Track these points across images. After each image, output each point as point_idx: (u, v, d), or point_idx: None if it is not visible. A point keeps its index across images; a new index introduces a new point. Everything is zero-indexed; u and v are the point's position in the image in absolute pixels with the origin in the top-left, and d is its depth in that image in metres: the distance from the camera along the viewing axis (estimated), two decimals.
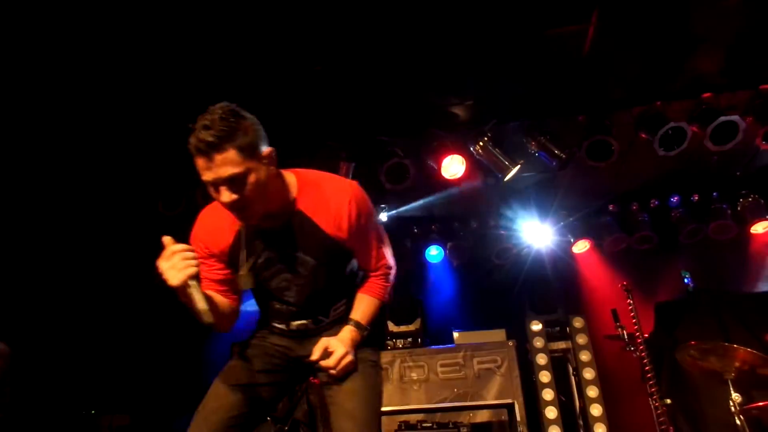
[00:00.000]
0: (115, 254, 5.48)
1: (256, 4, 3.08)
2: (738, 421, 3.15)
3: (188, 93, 3.79)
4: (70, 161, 4.47)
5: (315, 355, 1.88)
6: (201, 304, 1.62)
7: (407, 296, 5.33)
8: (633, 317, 4.18)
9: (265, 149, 1.70)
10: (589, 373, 4.55)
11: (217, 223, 1.89)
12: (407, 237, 6.09)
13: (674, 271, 4.76)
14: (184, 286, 1.59)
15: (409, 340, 5.06)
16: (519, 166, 4.39)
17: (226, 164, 1.58)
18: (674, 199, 5.59)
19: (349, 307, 2.05)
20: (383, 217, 5.86)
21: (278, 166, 1.80)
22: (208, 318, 1.63)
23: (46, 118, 3.96)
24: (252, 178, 1.63)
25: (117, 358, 5.42)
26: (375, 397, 1.97)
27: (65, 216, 5.01)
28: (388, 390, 4.77)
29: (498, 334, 4.91)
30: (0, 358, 2.81)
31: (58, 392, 4.88)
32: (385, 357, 4.90)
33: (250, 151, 1.62)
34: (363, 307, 2.02)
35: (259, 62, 3.57)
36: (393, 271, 2.13)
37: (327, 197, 1.85)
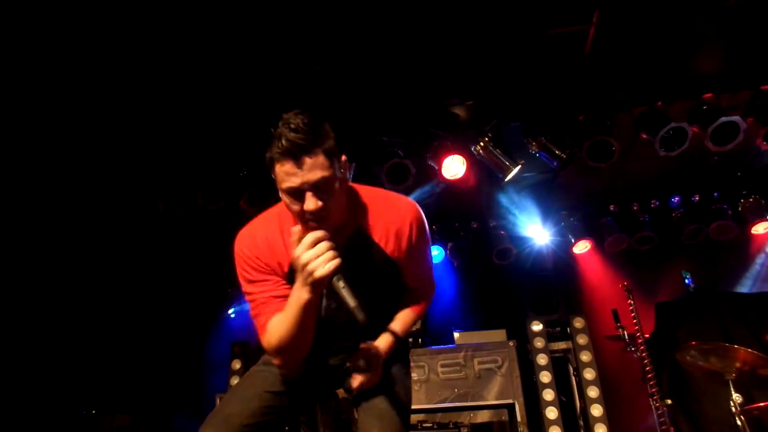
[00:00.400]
0: (115, 254, 5.48)
1: (256, 3, 3.08)
2: (739, 422, 3.15)
3: (188, 93, 3.80)
4: (71, 161, 4.47)
5: (353, 361, 1.83)
6: (352, 300, 1.51)
7: None
8: (633, 317, 4.18)
9: (343, 157, 1.66)
10: (589, 374, 4.54)
11: (273, 239, 1.79)
12: None
13: (675, 271, 4.76)
14: (331, 278, 1.52)
15: (410, 340, 5.06)
16: (520, 167, 4.39)
17: (316, 168, 1.53)
18: (675, 199, 5.60)
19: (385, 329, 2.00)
20: None
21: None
22: (361, 315, 1.50)
23: (46, 118, 3.95)
24: (337, 184, 1.60)
25: (117, 358, 5.42)
26: (406, 403, 1.94)
27: (67, 216, 5.00)
28: None
29: (499, 335, 4.91)
30: None
31: (58, 392, 4.87)
32: None
33: (334, 157, 1.59)
34: (404, 318, 2.00)
35: (259, 62, 3.57)
36: (434, 290, 2.13)
37: (388, 217, 1.81)
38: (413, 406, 4.50)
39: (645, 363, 4.07)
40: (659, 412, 3.93)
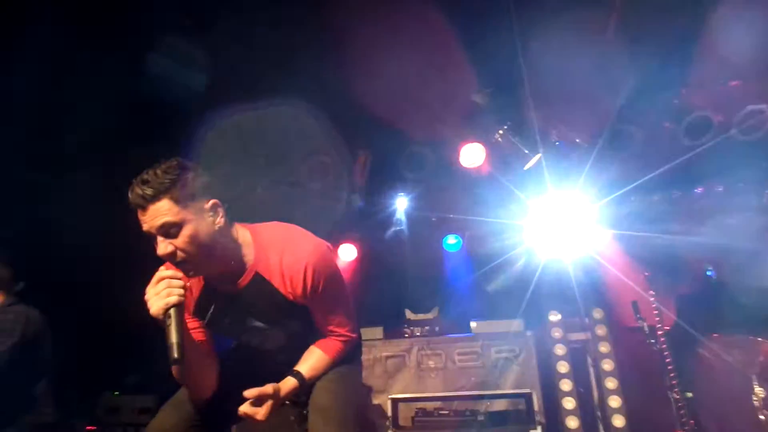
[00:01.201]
0: (136, 240, 5.55)
1: None
2: (762, 416, 3.10)
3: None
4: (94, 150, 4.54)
5: (250, 393, 1.80)
6: (174, 336, 1.56)
7: (425, 285, 5.33)
8: (654, 309, 4.13)
9: (209, 202, 1.69)
10: (608, 365, 4.50)
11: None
12: (425, 226, 6.07)
13: (697, 262, 4.68)
14: (163, 316, 1.57)
15: (427, 328, 5.07)
16: (539, 155, 4.34)
17: (159, 214, 1.60)
18: (699, 189, 5.48)
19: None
20: (402, 203, 5.85)
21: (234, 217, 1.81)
22: (176, 353, 1.55)
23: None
24: (188, 229, 1.62)
25: (139, 342, 5.52)
26: (351, 394, 1.97)
27: (90, 198, 5.09)
28: (406, 377, 4.79)
29: (516, 324, 4.90)
30: (34, 324, 2.88)
31: (83, 374, 5.00)
32: (403, 344, 4.92)
33: (186, 202, 1.63)
34: (312, 361, 1.95)
35: (275, 49, 3.56)
36: (353, 340, 2.04)
37: (282, 260, 1.80)
38: (429, 394, 4.55)
39: (665, 355, 4.02)
40: (679, 405, 3.89)
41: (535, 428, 3.87)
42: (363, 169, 4.62)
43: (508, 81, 4.05)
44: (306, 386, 1.92)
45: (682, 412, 3.89)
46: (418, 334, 5.04)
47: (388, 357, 4.89)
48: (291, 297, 1.82)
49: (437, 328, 5.07)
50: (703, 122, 3.94)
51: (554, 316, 4.72)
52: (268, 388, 1.80)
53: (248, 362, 2.06)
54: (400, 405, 4.35)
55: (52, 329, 3.24)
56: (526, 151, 4.35)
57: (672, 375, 3.96)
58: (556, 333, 4.66)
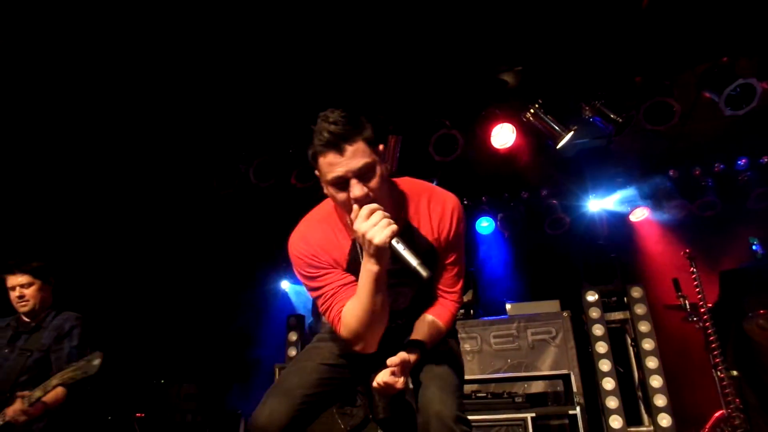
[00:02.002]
0: (178, 232, 5.72)
1: None
2: None
3: (239, 74, 3.86)
4: (129, 142, 4.66)
5: (392, 362, 1.77)
6: (413, 258, 1.54)
7: None
8: (696, 286, 4.03)
9: (380, 145, 1.71)
10: (648, 344, 4.41)
11: (326, 238, 1.85)
12: None
13: (741, 237, 4.53)
14: (389, 244, 1.57)
15: (462, 311, 5.07)
16: (572, 133, 4.24)
17: (357, 155, 1.59)
18: (741, 161, 5.27)
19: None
20: None
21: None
22: (425, 272, 1.54)
23: (102, 99, 4.12)
24: (379, 170, 1.64)
25: (183, 333, 5.73)
26: (461, 369, 1.98)
27: (128, 196, 5.25)
28: None
29: (552, 305, 4.85)
30: (75, 320, 3.03)
31: (131, 364, 5.21)
32: None
33: (374, 144, 1.65)
34: (430, 330, 1.93)
35: (305, 41, 3.57)
36: (461, 301, 2.05)
37: (430, 205, 1.85)
38: (466, 377, 4.56)
39: (709, 333, 3.92)
40: (724, 383, 3.80)
41: (574, 409, 3.84)
42: (393, 153, 4.60)
43: (539, 58, 3.97)
44: (428, 349, 1.91)
45: (727, 391, 3.80)
46: None
47: None
48: (434, 242, 1.85)
49: (471, 311, 5.06)
50: (745, 91, 3.77)
51: (591, 296, 4.65)
52: (408, 356, 1.80)
53: None
54: None
55: (101, 324, 3.37)
56: (559, 129, 4.25)
57: (716, 353, 3.86)
58: (594, 313, 4.59)
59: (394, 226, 1.58)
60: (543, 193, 5.76)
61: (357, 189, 1.60)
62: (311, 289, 1.89)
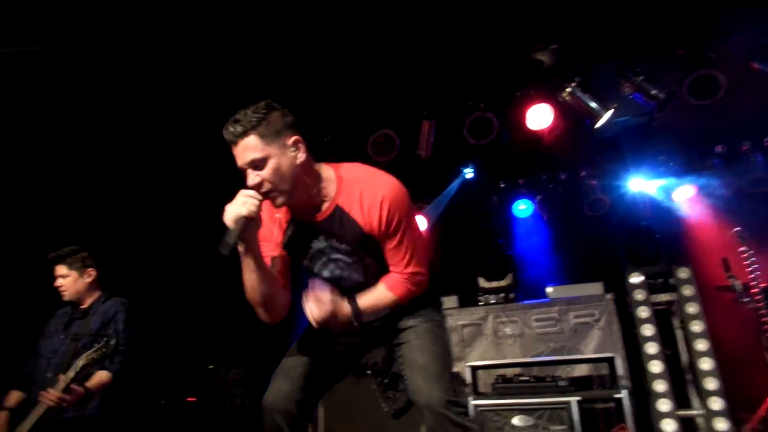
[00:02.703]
0: (217, 219, 5.87)
1: None
2: None
3: (270, 56, 3.90)
4: (170, 132, 4.80)
5: (307, 296, 1.98)
6: (232, 238, 1.73)
7: (497, 252, 5.28)
8: (748, 266, 3.89)
9: (291, 138, 1.87)
10: (697, 326, 4.28)
11: (273, 212, 2.03)
12: (494, 192, 5.99)
13: None
14: (233, 224, 1.74)
15: (502, 295, 5.04)
16: (611, 111, 4.13)
17: (247, 149, 1.81)
18: None
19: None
20: (468, 174, 5.79)
21: (324, 158, 2.00)
22: (226, 250, 1.72)
23: (142, 91, 4.25)
24: (273, 161, 1.82)
25: (230, 320, 5.90)
26: (443, 351, 2.04)
27: (175, 188, 5.43)
28: (483, 345, 4.81)
29: (595, 287, 4.76)
30: (121, 305, 3.17)
31: (180, 350, 5.42)
32: (478, 313, 4.93)
33: (271, 138, 1.82)
34: (373, 295, 2.03)
35: (335, 22, 3.58)
36: (421, 279, 2.07)
37: (362, 193, 1.93)
38: (508, 360, 4.55)
39: (761, 314, 3.79)
40: None
41: (620, 392, 3.78)
42: (427, 138, 4.58)
43: (575, 34, 3.87)
44: (360, 316, 2.01)
45: None
46: (492, 301, 5.02)
47: (464, 325, 4.92)
48: (367, 229, 1.93)
49: (512, 295, 5.03)
50: None
51: (636, 278, 4.53)
52: (327, 294, 1.98)
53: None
54: (479, 372, 4.38)
55: (154, 313, 3.49)
56: (597, 108, 4.15)
57: None
58: (639, 295, 4.48)
59: (242, 211, 1.75)
60: (582, 173, 5.64)
61: (250, 177, 1.83)
62: None
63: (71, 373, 2.71)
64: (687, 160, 5.41)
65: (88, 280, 3.18)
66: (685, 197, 5.52)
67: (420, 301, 2.10)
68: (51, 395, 2.67)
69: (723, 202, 5.36)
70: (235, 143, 1.82)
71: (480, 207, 5.87)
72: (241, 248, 1.83)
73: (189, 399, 4.98)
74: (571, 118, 4.41)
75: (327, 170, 1.99)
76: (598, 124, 4.23)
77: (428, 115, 4.48)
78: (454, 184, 5.79)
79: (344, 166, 2.03)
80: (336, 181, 1.97)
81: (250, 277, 1.90)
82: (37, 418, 2.75)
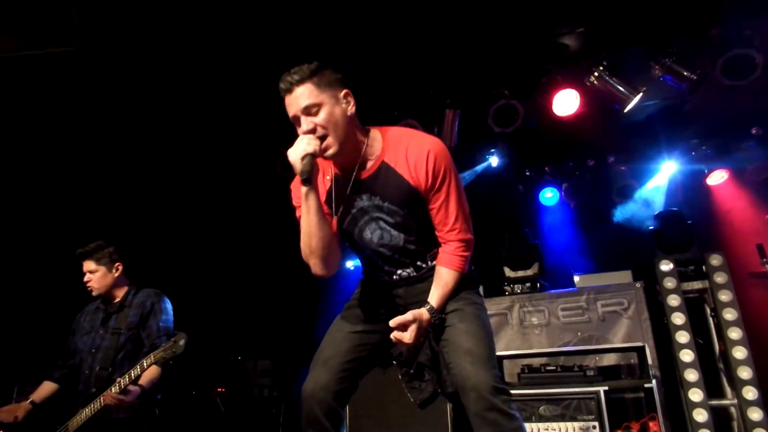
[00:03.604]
0: (248, 217, 5.97)
1: None
2: None
3: (293, 51, 3.90)
4: (196, 128, 4.86)
5: (394, 322, 1.96)
6: (306, 171, 1.80)
7: (523, 241, 5.21)
8: None
9: (342, 91, 1.95)
10: (730, 314, 4.17)
11: (319, 172, 2.02)
12: (519, 181, 5.91)
13: None
14: (300, 162, 1.82)
15: (528, 285, 4.98)
16: (641, 95, 4.02)
17: (303, 96, 1.87)
18: None
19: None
20: (493, 162, 5.72)
21: (375, 123, 2.03)
22: (306, 175, 1.80)
23: (167, 86, 4.31)
24: (327, 108, 1.89)
25: (257, 313, 6.01)
26: (489, 336, 2.04)
27: (206, 184, 5.52)
28: (509, 335, 4.77)
29: (623, 276, 4.67)
30: (155, 296, 3.25)
31: (210, 342, 5.54)
32: (504, 302, 4.89)
33: (324, 87, 1.89)
34: (440, 286, 2.05)
35: (359, 11, 3.55)
36: (471, 243, 2.10)
37: (408, 148, 1.98)
38: (534, 350, 4.51)
39: None
40: None
41: (650, 382, 3.71)
42: (451, 126, 4.53)
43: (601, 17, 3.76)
44: (438, 311, 2.04)
45: None
46: (518, 291, 4.97)
47: (489, 315, 4.88)
48: (414, 183, 1.96)
49: (538, 285, 4.97)
50: None
51: (666, 265, 4.43)
52: (408, 315, 1.96)
53: (375, 286, 2.21)
54: (506, 362, 4.35)
55: (183, 306, 3.57)
56: (626, 92, 4.04)
57: None
58: (669, 283, 4.38)
59: (309, 148, 1.83)
60: (610, 159, 5.53)
61: (304, 123, 1.89)
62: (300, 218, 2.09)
63: (134, 373, 2.77)
64: (720, 144, 5.25)
65: (116, 274, 3.24)
66: (719, 182, 5.36)
67: (461, 283, 2.11)
68: (113, 397, 2.73)
69: (758, 187, 5.19)
70: (291, 91, 1.88)
71: (505, 196, 5.80)
72: (305, 190, 1.88)
73: (218, 389, 5.09)
74: (599, 102, 4.31)
75: (373, 131, 2.05)
76: (628, 108, 4.13)
77: (452, 104, 4.43)
78: (474, 170, 5.73)
79: (388, 128, 2.07)
80: (381, 139, 2.02)
81: (311, 221, 1.92)
82: (92, 414, 2.82)
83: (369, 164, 2.00)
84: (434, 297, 2.04)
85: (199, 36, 3.68)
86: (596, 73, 4.03)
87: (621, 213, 5.52)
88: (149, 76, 4.10)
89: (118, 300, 3.23)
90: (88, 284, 3.19)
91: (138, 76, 4.09)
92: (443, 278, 2.06)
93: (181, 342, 2.74)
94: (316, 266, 2.01)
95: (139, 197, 5.46)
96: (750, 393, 3.92)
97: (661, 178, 5.50)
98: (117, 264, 3.25)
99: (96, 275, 3.18)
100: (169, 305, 3.23)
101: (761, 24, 3.73)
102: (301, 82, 1.87)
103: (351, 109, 1.95)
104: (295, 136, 1.92)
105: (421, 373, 4.22)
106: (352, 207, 2.04)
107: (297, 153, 1.83)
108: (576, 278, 4.85)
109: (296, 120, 1.91)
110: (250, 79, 4.21)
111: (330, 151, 1.91)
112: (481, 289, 5.00)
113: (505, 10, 3.61)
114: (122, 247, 3.32)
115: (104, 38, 3.53)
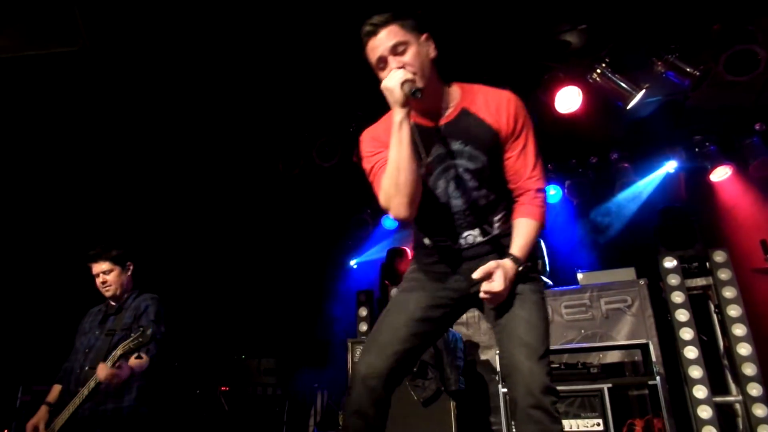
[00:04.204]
0: (251, 216, 5.97)
1: None
2: None
3: (294, 51, 3.90)
4: (199, 128, 4.87)
5: (478, 273, 1.86)
6: (408, 93, 1.79)
7: None
8: None
9: (424, 35, 1.95)
10: (734, 311, 4.16)
11: (386, 127, 1.99)
12: None
13: None
14: (400, 88, 1.79)
15: (538, 262, 4.96)
16: (644, 91, 4.01)
17: (390, 35, 1.87)
18: None
19: (508, 222, 2.04)
20: None
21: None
22: (416, 88, 1.80)
23: (174, 85, 4.32)
24: (414, 48, 1.89)
25: (260, 311, 6.02)
26: (548, 331, 1.95)
27: (205, 185, 5.53)
28: None
29: (627, 273, 4.67)
30: (151, 300, 3.24)
31: (214, 341, 5.55)
32: None
33: (410, 29, 1.90)
34: (522, 236, 1.96)
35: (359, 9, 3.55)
36: (546, 196, 2.07)
37: (488, 95, 2.00)
38: None
39: None
40: None
41: (654, 379, 3.71)
42: None
43: (603, 13, 3.75)
44: (521, 261, 1.94)
45: None
46: None
47: None
48: (495, 126, 1.96)
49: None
50: None
51: (669, 262, 4.43)
52: (491, 263, 1.88)
53: (436, 259, 2.11)
54: None
55: (187, 307, 3.56)
56: (628, 88, 4.03)
57: None
58: (673, 280, 4.38)
59: (408, 75, 1.81)
60: (613, 156, 5.52)
61: (393, 62, 1.87)
62: (366, 169, 2.08)
63: (109, 363, 2.78)
64: (723, 140, 5.23)
65: (129, 273, 3.26)
66: (722, 178, 5.34)
67: (531, 267, 2.01)
68: (108, 369, 2.72)
69: (761, 183, 5.17)
70: (376, 33, 1.88)
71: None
72: (399, 117, 1.82)
73: (222, 388, 5.10)
74: (602, 99, 4.30)
75: (452, 84, 2.05)
76: (631, 105, 4.12)
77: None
78: None
79: (462, 83, 2.07)
80: (459, 89, 2.03)
81: (402, 153, 1.84)
82: (75, 409, 2.84)
83: (448, 111, 1.99)
84: (516, 247, 1.95)
85: (202, 36, 3.69)
86: (598, 70, 4.02)
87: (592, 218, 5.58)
88: (152, 76, 4.11)
89: (116, 303, 3.24)
90: (105, 285, 3.18)
91: (141, 76, 4.10)
92: (524, 228, 1.98)
93: (148, 332, 2.75)
94: (400, 206, 1.89)
95: (143, 197, 5.47)
96: (755, 389, 3.92)
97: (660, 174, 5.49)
98: (129, 264, 3.27)
99: (112, 275, 3.18)
100: (162, 310, 3.23)
101: (763, 21, 3.71)
102: (386, 23, 1.88)
103: (433, 51, 1.95)
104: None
105: (425, 371, 4.24)
106: (429, 154, 1.98)
107: (395, 80, 1.80)
108: (579, 275, 4.85)
109: (382, 61, 1.90)
110: (253, 79, 4.21)
111: (416, 92, 1.85)
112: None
113: (507, 7, 3.60)
114: (127, 247, 3.33)
115: (107, 38, 3.53)
